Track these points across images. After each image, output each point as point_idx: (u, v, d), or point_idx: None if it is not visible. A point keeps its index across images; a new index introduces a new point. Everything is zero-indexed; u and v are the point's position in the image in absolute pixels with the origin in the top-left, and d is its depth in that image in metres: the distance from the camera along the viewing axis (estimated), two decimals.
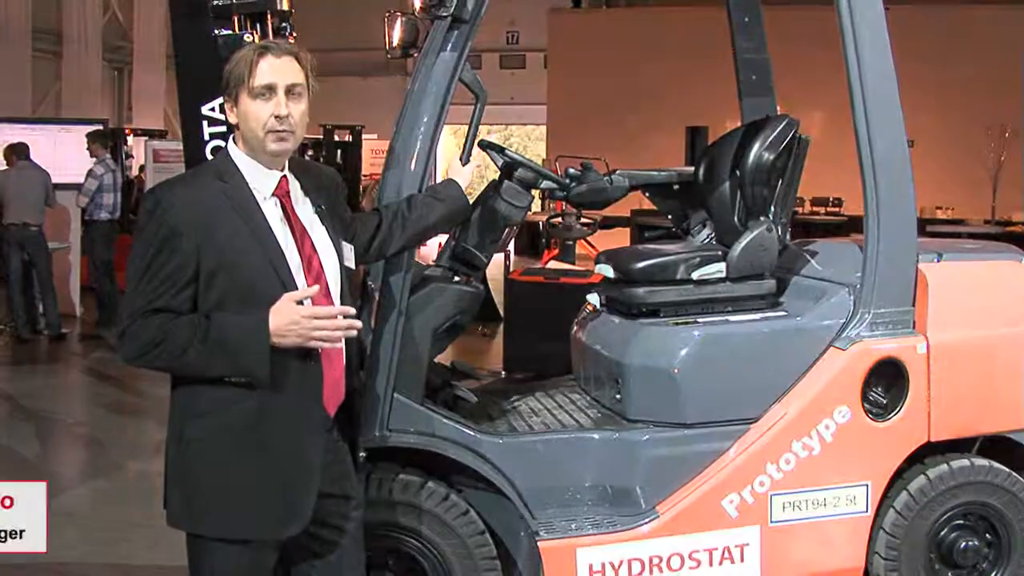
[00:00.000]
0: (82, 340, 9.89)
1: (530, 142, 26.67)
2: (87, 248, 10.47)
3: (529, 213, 3.62)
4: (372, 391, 3.18)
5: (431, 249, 4.17)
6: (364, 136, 15.47)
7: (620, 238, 11.91)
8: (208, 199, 2.46)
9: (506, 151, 3.49)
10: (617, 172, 3.87)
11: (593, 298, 3.96)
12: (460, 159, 3.30)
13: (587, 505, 3.41)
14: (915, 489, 3.53)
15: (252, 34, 3.25)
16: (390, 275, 3.21)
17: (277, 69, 2.48)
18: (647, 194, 4.31)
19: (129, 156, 13.84)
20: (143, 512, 4.76)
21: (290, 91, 2.49)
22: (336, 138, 14.45)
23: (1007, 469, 3.60)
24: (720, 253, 3.70)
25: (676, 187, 4.22)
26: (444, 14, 3.22)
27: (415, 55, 3.41)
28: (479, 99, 3.35)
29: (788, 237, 3.98)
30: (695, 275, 3.64)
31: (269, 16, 3.31)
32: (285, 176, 2.57)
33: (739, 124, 4.13)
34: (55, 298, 9.84)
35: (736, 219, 3.86)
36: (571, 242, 9.18)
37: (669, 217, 4.36)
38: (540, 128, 22.73)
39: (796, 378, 3.47)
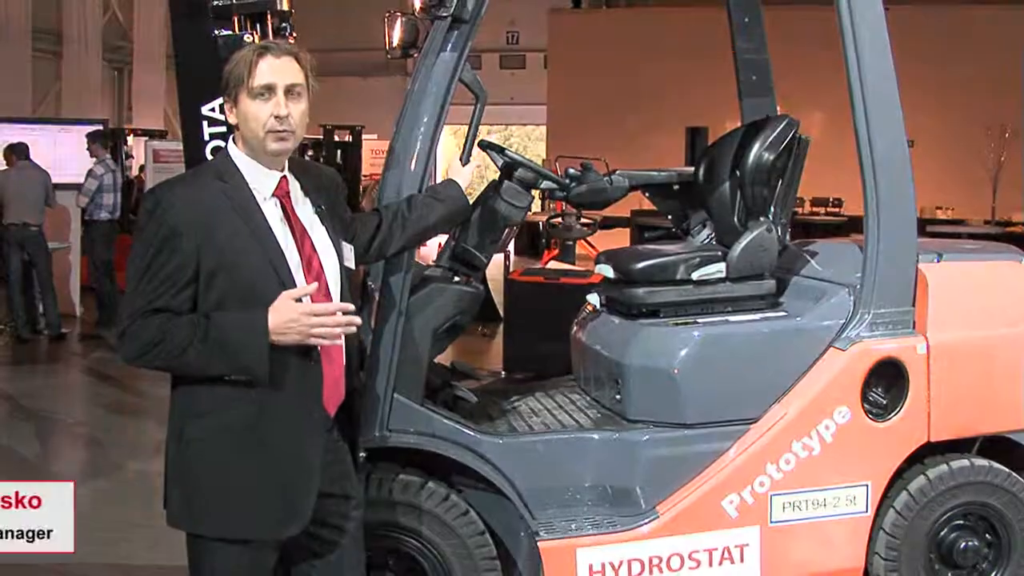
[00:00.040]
0: (82, 340, 9.89)
1: (530, 142, 26.68)
2: (87, 248, 10.47)
3: (529, 213, 3.62)
4: (372, 391, 3.18)
5: (431, 249, 4.17)
6: (364, 136, 15.47)
7: (620, 238, 11.90)
8: (208, 199, 2.46)
9: (506, 151, 3.49)
10: (617, 172, 3.87)
11: (593, 298, 3.96)
12: (460, 159, 3.30)
13: (587, 505, 3.41)
14: (915, 489, 3.53)
15: (252, 34, 3.25)
16: (390, 275, 3.21)
17: (276, 69, 2.48)
18: (647, 194, 4.31)
19: (129, 156, 13.85)
20: (143, 512, 4.76)
21: (290, 91, 2.49)
22: (336, 138, 14.45)
23: (1007, 469, 3.60)
24: (720, 253, 3.70)
25: (676, 187, 4.23)
26: (444, 14, 3.22)
27: (415, 55, 3.41)
28: (479, 99, 3.35)
29: (788, 237, 3.98)
30: (695, 275, 3.64)
31: (269, 16, 3.31)
32: (285, 176, 2.58)
33: (739, 124, 4.13)
34: (55, 298, 9.84)
35: (736, 219, 3.86)
36: (571, 242, 9.19)
37: (669, 217, 4.36)
38: (540, 128, 22.74)
39: (796, 378, 3.47)
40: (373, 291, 3.27)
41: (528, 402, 3.87)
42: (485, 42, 18.22)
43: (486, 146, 3.56)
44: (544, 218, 10.93)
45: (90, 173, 10.10)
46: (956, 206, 15.32)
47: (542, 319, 5.55)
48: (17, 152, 9.80)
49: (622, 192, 3.89)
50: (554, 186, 3.70)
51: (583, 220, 8.77)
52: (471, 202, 3.29)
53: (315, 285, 2.50)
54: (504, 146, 3.55)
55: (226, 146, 2.63)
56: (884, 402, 3.51)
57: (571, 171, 3.80)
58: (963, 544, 3.58)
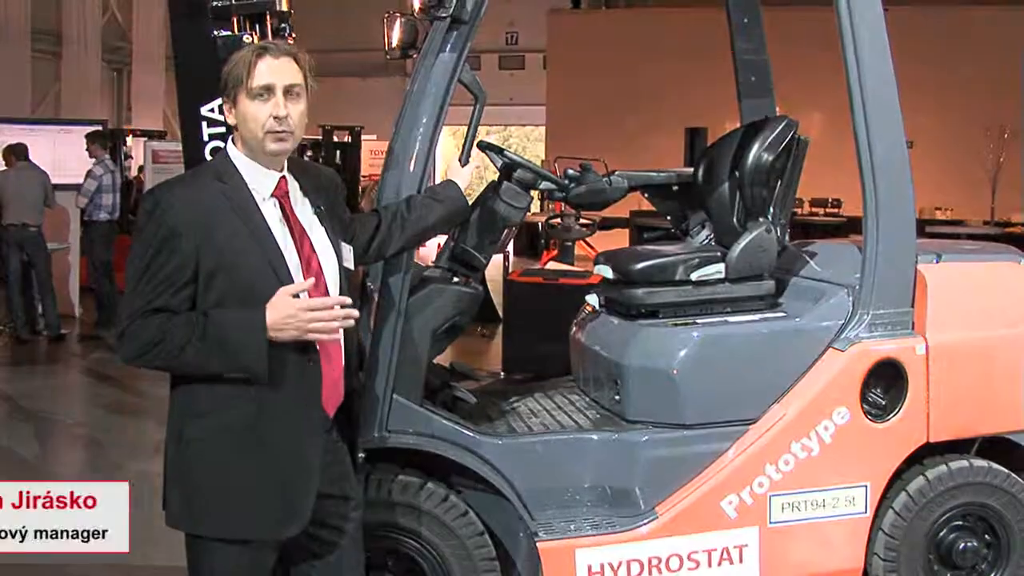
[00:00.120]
0: (81, 341, 9.88)
1: (529, 143, 26.69)
2: (86, 249, 10.47)
3: (528, 214, 3.62)
4: (371, 392, 3.18)
5: (430, 250, 4.17)
6: (363, 137, 15.48)
7: (619, 239, 11.90)
8: (207, 200, 2.46)
9: (505, 152, 3.50)
10: (616, 173, 3.87)
11: (592, 299, 3.96)
12: (459, 160, 3.30)
13: (586, 506, 3.41)
14: (914, 490, 3.53)
15: (251, 35, 3.25)
16: (389, 276, 3.21)
17: (275, 70, 2.48)
18: (646, 195, 4.31)
19: (128, 157, 13.86)
20: (143, 512, 4.75)
21: (288, 92, 2.50)
22: (335, 139, 14.45)
23: (1006, 470, 3.60)
24: (719, 254, 3.70)
25: (675, 188, 4.23)
26: (443, 15, 3.22)
27: (414, 56, 3.41)
28: (478, 100, 3.35)
29: (787, 238, 3.98)
30: (694, 276, 3.64)
31: (268, 17, 3.31)
32: (284, 177, 2.58)
33: (738, 125, 4.13)
34: (54, 299, 9.84)
35: (735, 220, 3.86)
36: (570, 243, 9.20)
37: (668, 218, 4.36)
38: (539, 129, 22.73)
39: (795, 379, 3.47)
40: (372, 292, 3.27)
41: (527, 403, 3.87)
42: (484, 43, 18.22)
43: (485, 147, 3.56)
44: (543, 219, 10.94)
45: (89, 174, 10.09)
46: (955, 207, 15.33)
47: (541, 320, 5.55)
48: (16, 153, 9.80)
49: (621, 193, 3.89)
50: (553, 187, 3.70)
51: (582, 221, 8.77)
52: (470, 203, 3.29)
53: (312, 281, 2.49)
54: (503, 147, 3.55)
55: (225, 147, 2.63)
56: (883, 403, 3.51)
57: (570, 172, 3.80)
58: (962, 545, 3.58)
